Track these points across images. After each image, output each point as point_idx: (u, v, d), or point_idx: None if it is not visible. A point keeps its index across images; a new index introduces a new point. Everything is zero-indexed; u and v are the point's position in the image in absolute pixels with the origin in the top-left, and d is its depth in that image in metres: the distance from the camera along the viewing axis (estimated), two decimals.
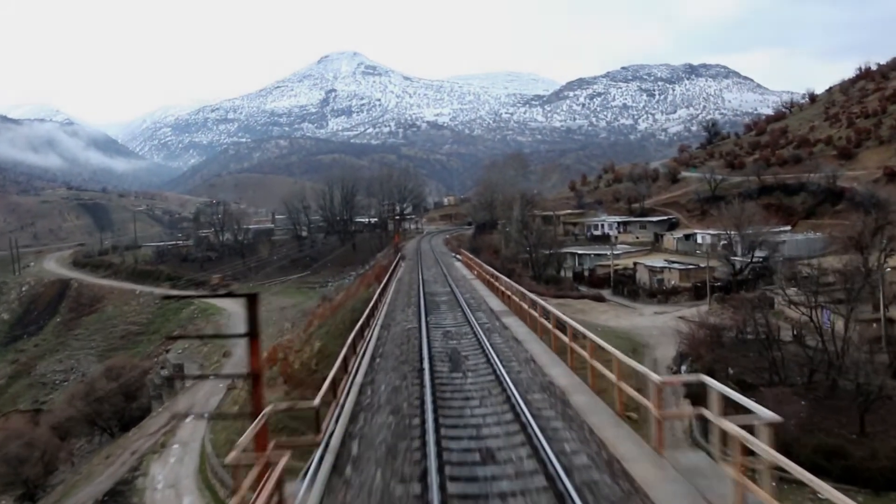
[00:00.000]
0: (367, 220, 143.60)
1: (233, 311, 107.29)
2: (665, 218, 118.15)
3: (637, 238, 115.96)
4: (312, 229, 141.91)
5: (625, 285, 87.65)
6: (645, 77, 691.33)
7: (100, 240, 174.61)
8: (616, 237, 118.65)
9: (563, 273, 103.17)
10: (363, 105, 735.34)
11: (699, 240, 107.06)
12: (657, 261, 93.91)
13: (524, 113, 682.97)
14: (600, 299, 79.77)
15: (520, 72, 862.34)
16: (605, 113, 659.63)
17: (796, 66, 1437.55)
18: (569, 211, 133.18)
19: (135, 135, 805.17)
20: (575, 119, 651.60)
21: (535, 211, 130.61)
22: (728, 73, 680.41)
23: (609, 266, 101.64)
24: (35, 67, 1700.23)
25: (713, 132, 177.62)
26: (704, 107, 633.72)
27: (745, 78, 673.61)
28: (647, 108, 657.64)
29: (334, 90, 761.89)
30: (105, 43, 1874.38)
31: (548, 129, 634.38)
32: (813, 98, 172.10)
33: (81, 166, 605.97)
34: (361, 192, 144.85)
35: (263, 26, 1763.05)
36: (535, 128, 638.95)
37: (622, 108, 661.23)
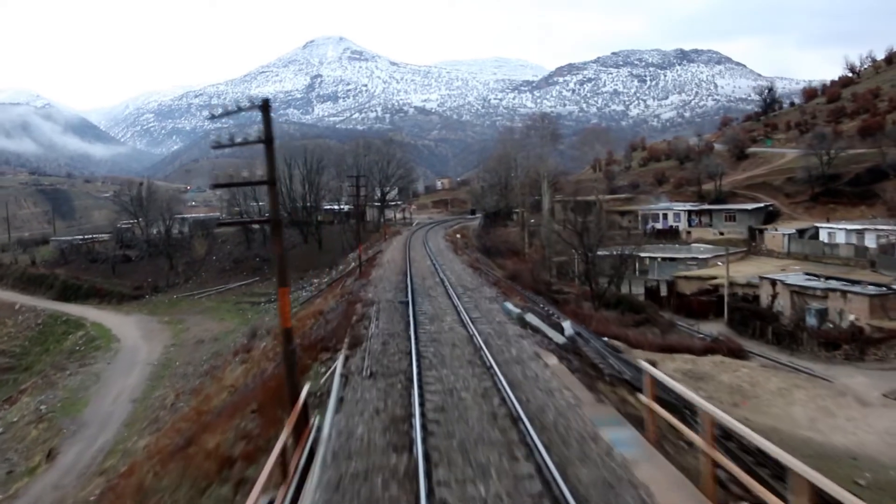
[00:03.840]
0: (337, 207, 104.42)
1: (128, 345, 68.75)
2: (760, 206, 79.71)
3: (720, 234, 77.80)
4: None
5: (762, 320, 49.36)
6: (636, 63, 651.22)
7: (8, 232, 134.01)
8: (688, 232, 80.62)
9: (627, 289, 65.17)
10: (349, 91, 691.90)
11: (825, 237, 69.36)
12: (794, 275, 55.71)
13: (513, 99, 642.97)
14: (738, 354, 41.59)
15: (508, 57, 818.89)
16: (595, 99, 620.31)
17: (782, 54, 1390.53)
18: (611, 196, 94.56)
19: (117, 120, 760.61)
20: (565, 105, 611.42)
21: (560, 196, 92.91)
22: (720, 58, 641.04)
23: (697, 279, 63.96)
24: (14, 52, 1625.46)
25: (769, 100, 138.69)
26: (697, 93, 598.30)
27: (738, 64, 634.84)
28: (638, 94, 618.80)
29: (320, 76, 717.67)
30: (88, 28, 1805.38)
31: (538, 114, 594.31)
32: (890, 58, 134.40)
33: (58, 152, 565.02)
34: (331, 172, 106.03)
35: (248, 11, 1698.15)
36: (524, 113, 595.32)
37: (613, 94, 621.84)
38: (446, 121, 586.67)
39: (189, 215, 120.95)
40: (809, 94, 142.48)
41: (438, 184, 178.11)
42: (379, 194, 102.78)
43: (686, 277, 64.42)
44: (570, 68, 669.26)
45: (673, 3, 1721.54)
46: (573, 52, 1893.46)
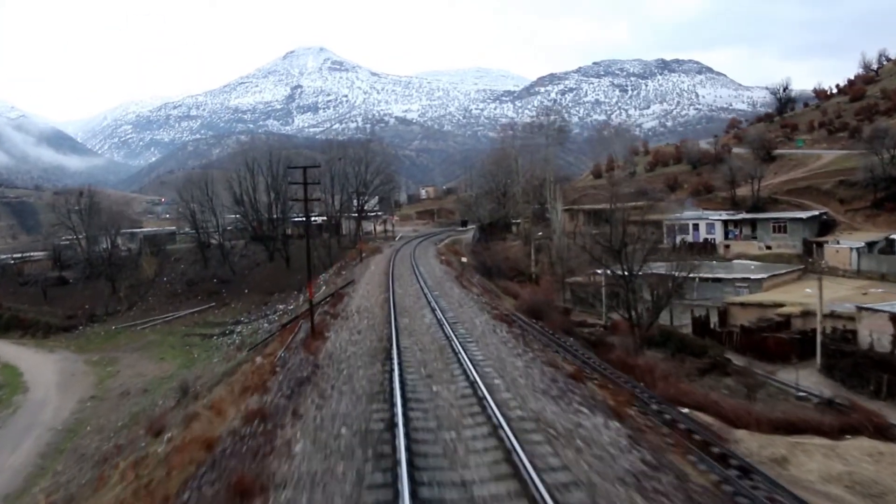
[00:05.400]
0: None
1: (36, 397, 53.15)
2: (815, 214, 65.91)
3: (767, 248, 63.99)
4: (228, 234, 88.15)
5: (889, 371, 35.35)
6: (617, 72, 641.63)
7: None
8: (727, 246, 66.77)
9: (668, 319, 51.05)
10: (330, 101, 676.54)
11: None
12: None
13: (494, 109, 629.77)
14: (886, 432, 27.55)
15: (489, 68, 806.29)
16: (577, 108, 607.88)
17: (763, 65, 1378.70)
18: (629, 204, 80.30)
19: (94, 132, 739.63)
20: (547, 115, 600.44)
21: (566, 205, 78.99)
22: (701, 68, 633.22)
23: (758, 306, 50.05)
24: None
25: (785, 100, 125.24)
26: (678, 102, 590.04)
27: (719, 73, 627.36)
28: (619, 104, 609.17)
29: (300, 86, 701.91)
30: (66, 39, 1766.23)
31: (519, 125, 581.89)
32: None
33: (31, 164, 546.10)
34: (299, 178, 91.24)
35: (227, 21, 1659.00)
36: (506, 124, 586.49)
37: (595, 104, 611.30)
38: (427, 131, 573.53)
39: (138, 230, 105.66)
40: (822, 94, 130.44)
41: (423, 192, 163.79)
42: (356, 204, 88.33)
43: (742, 304, 50.41)
44: (552, 78, 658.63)
45: (654, 13, 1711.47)
46: (554, 62, 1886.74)
